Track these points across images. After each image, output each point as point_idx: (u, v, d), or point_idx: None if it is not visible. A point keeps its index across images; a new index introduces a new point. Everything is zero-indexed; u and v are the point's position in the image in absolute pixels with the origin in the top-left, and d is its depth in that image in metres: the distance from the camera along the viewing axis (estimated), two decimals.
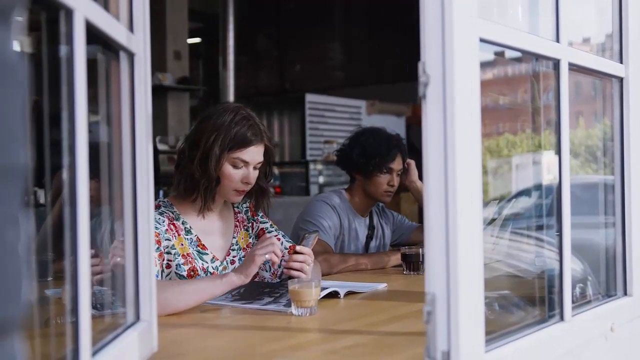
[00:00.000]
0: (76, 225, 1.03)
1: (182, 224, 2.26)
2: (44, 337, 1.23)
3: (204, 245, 2.28)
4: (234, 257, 2.36)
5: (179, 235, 2.23)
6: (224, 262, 2.32)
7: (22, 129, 0.58)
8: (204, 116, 2.29)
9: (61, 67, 1.05)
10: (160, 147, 6.95)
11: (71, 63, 1.03)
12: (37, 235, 1.63)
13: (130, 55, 1.37)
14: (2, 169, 0.55)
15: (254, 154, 2.25)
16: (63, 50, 1.04)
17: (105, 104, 1.38)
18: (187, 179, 2.24)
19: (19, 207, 0.58)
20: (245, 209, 2.47)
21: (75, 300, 1.03)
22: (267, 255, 2.01)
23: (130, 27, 1.38)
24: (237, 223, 2.42)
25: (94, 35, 1.14)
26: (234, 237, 2.39)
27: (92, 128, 1.12)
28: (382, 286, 2.39)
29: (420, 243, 3.00)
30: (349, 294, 2.22)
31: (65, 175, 1.04)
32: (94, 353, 1.12)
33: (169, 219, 2.21)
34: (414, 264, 2.69)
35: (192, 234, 2.26)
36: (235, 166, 2.23)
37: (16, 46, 0.59)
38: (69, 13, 1.01)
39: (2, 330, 0.55)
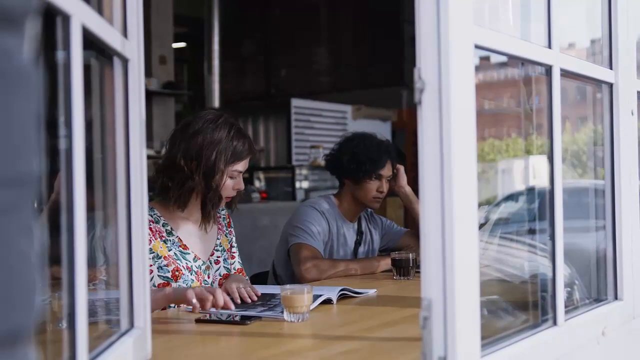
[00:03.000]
0: (73, 232, 1.02)
1: (163, 226, 2.32)
2: (37, 343, 1.22)
3: (185, 245, 2.34)
4: (218, 257, 2.44)
5: (156, 238, 2.28)
6: (207, 262, 2.40)
7: (36, 137, 0.58)
8: (194, 130, 2.30)
9: (57, 72, 1.04)
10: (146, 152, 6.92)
11: (68, 68, 1.02)
12: None
13: (125, 61, 1.36)
14: (16, 177, 0.55)
15: (247, 163, 2.38)
16: (59, 55, 1.03)
17: (98, 109, 1.37)
18: (187, 192, 2.30)
19: (31, 216, 0.58)
20: (223, 216, 2.55)
21: (72, 308, 1.02)
22: (194, 301, 1.95)
23: (125, 33, 1.37)
24: (220, 226, 2.51)
25: (89, 41, 1.13)
26: (218, 239, 2.47)
27: (85, 134, 1.12)
28: (372, 292, 2.39)
29: (409, 248, 3.00)
30: (342, 297, 2.22)
31: (61, 181, 1.04)
32: None
33: None
34: (404, 269, 2.69)
35: (173, 235, 2.32)
36: (231, 177, 2.34)
37: (29, 54, 0.58)
38: (66, 19, 1.01)
39: (17, 339, 0.55)
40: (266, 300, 2.17)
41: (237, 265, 2.51)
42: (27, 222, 0.57)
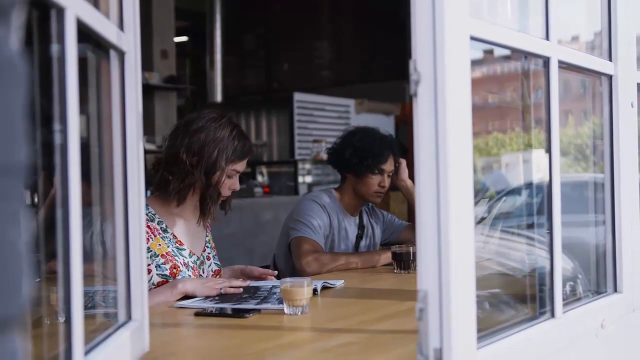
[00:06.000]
0: (68, 226, 1.02)
1: (158, 224, 2.34)
2: (35, 337, 1.23)
3: (180, 241, 2.37)
4: (208, 253, 2.49)
5: (155, 236, 2.30)
6: (201, 257, 2.44)
7: (22, 126, 0.58)
8: (197, 127, 2.33)
9: (52, 65, 1.04)
10: (147, 146, 6.93)
11: (63, 62, 1.02)
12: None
13: (121, 54, 1.37)
14: (4, 166, 0.55)
15: (245, 164, 2.42)
16: (54, 48, 1.03)
17: (95, 103, 1.37)
18: (187, 187, 2.32)
19: (20, 205, 0.58)
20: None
21: (68, 301, 1.02)
22: (222, 290, 2.16)
23: (121, 26, 1.37)
24: (208, 225, 2.54)
25: (84, 34, 1.13)
26: (207, 236, 2.52)
27: (81, 128, 1.12)
28: (340, 282, 2.42)
29: (410, 242, 3.00)
30: (324, 288, 2.27)
31: (56, 175, 1.04)
32: (86, 352, 1.12)
33: None
34: (404, 262, 2.69)
35: (168, 232, 2.35)
36: (229, 176, 2.37)
37: (16, 44, 0.58)
38: (60, 11, 1.01)
39: (3, 327, 0.55)
40: (252, 293, 2.17)
41: (214, 267, 2.52)
42: (15, 211, 0.57)
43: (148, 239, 2.25)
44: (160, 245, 2.30)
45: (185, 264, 2.33)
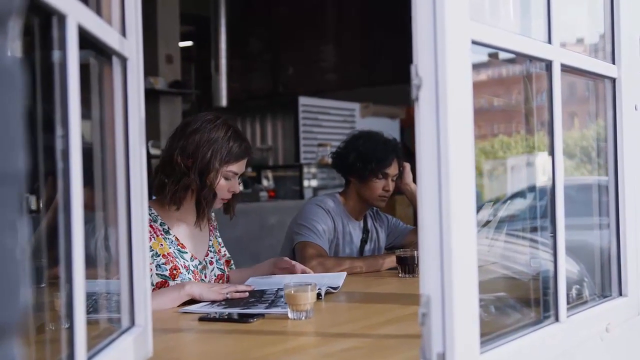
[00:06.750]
0: (70, 232, 1.02)
1: (160, 225, 2.35)
2: (38, 342, 1.23)
3: (182, 244, 2.37)
4: (211, 258, 2.49)
5: (157, 236, 2.31)
6: (203, 262, 2.43)
7: (20, 134, 0.58)
8: (192, 129, 2.34)
9: (54, 72, 1.04)
10: (153, 151, 6.93)
11: (64, 68, 1.02)
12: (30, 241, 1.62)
13: (123, 60, 1.37)
14: (1, 174, 0.55)
15: (243, 166, 2.40)
16: (55, 55, 1.04)
17: (97, 109, 1.38)
18: (183, 190, 2.32)
19: (17, 213, 0.58)
20: (212, 219, 2.60)
21: (70, 306, 1.03)
22: (228, 295, 2.16)
23: (123, 32, 1.37)
24: (211, 228, 2.54)
25: (87, 40, 1.14)
26: (210, 240, 2.51)
27: (84, 133, 1.12)
28: (343, 275, 2.46)
29: (415, 245, 3.00)
30: (328, 293, 2.26)
31: (59, 181, 1.04)
32: (89, 358, 1.12)
33: None
34: (408, 266, 2.69)
35: (171, 234, 2.35)
36: (226, 178, 2.36)
37: (13, 52, 0.59)
38: (62, 18, 1.01)
39: (1, 334, 0.55)
40: (259, 297, 2.17)
41: (217, 272, 2.51)
42: (12, 219, 0.57)
43: (150, 238, 2.25)
44: (162, 245, 2.30)
45: (185, 266, 2.33)
